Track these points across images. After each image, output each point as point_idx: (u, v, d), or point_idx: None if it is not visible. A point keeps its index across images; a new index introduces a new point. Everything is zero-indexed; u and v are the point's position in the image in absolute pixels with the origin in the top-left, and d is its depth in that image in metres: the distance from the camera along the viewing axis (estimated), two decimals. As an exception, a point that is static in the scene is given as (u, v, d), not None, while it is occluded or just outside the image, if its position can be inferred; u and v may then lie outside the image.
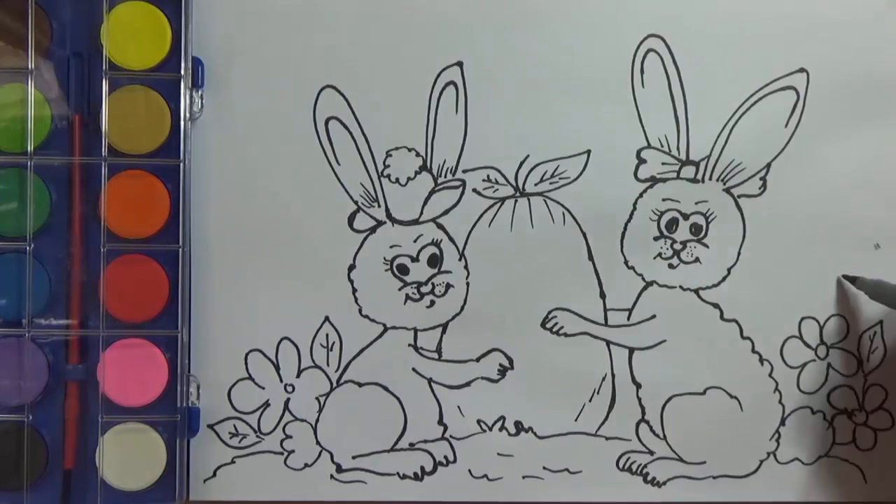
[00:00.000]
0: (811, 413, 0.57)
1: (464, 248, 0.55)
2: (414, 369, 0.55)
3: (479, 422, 0.56)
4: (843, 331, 0.56)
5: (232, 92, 0.54)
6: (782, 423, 0.57)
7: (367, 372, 0.55)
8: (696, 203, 0.55)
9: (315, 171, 0.54)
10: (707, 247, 0.56)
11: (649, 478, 0.56)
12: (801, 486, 0.57)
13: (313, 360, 0.55)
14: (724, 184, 0.55)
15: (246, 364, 0.55)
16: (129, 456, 0.52)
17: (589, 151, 0.55)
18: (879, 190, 0.56)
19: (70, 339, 0.52)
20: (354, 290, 0.55)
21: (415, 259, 0.55)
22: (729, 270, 0.56)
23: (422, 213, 0.55)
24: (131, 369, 0.52)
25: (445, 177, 0.55)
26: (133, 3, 0.52)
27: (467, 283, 0.55)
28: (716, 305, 0.56)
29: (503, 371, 0.55)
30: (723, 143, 0.55)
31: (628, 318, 0.56)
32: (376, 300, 0.55)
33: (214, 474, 0.55)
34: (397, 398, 0.55)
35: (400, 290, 0.55)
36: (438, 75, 0.54)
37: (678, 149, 0.55)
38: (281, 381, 0.55)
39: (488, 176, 0.55)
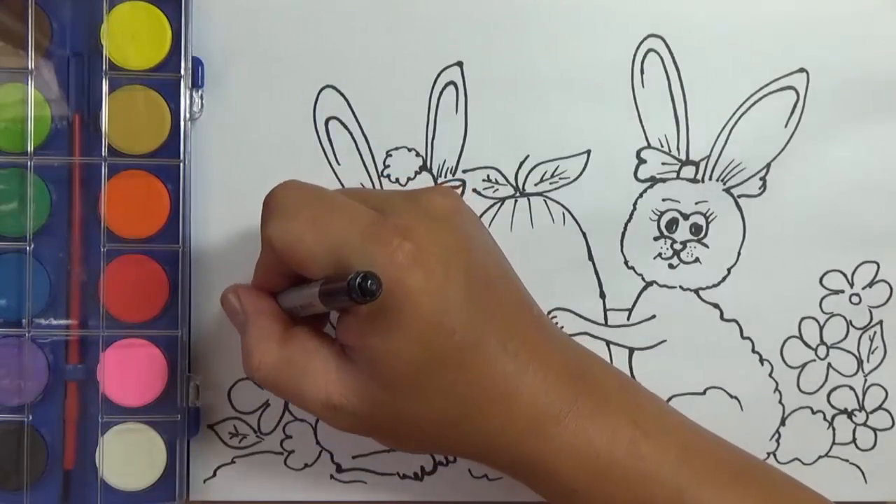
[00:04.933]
0: (811, 413, 0.57)
1: (464, 248, 0.55)
2: (414, 369, 0.55)
3: (479, 422, 0.56)
4: (843, 331, 0.56)
5: (232, 92, 0.54)
6: (782, 423, 0.56)
7: (367, 372, 0.55)
8: (696, 203, 0.55)
9: (315, 171, 0.54)
10: (707, 247, 0.55)
11: (649, 478, 0.56)
12: (801, 486, 0.57)
13: (313, 360, 0.55)
14: (724, 184, 0.55)
15: (246, 364, 0.55)
16: (129, 456, 0.52)
17: (589, 151, 0.55)
18: (880, 190, 0.56)
19: (70, 339, 0.52)
20: (354, 290, 0.54)
21: (415, 259, 0.55)
22: (729, 270, 0.56)
23: (422, 213, 0.55)
24: (131, 369, 0.52)
25: (445, 177, 0.55)
26: (133, 3, 0.52)
27: (467, 283, 0.55)
28: (716, 305, 0.56)
29: (503, 371, 0.55)
30: (723, 143, 0.55)
31: (628, 319, 0.56)
32: (376, 300, 0.55)
33: (214, 474, 0.55)
34: (397, 398, 0.55)
35: (400, 290, 0.55)
36: (438, 75, 0.54)
37: (678, 149, 0.55)
38: (281, 381, 0.55)
39: (488, 176, 0.55)
